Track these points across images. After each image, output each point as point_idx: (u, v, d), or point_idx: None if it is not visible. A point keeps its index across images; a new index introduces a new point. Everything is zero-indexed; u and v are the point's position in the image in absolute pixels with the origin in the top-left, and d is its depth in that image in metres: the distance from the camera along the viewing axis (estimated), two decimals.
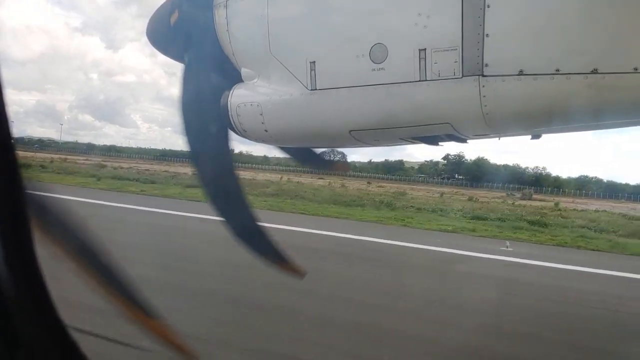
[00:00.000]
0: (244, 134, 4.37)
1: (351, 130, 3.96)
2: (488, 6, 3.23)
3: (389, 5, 3.65)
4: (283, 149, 5.31)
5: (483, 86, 3.32)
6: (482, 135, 3.96)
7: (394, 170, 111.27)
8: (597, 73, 3.07)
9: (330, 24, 3.87)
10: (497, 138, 4.13)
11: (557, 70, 3.14)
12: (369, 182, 62.12)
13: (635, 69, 3.00)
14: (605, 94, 3.16)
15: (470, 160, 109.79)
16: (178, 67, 4.71)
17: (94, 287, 2.91)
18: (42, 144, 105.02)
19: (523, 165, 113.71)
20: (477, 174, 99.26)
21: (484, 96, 3.33)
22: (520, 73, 3.22)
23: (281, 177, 45.73)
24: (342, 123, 3.98)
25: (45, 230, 2.79)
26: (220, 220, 4.71)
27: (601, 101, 3.22)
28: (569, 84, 3.14)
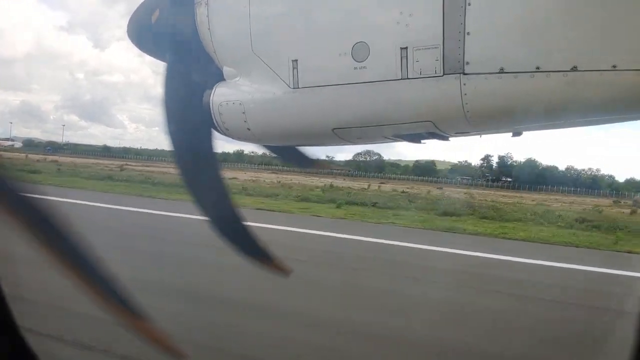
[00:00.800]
0: (226, 132, 4.34)
1: (334, 128, 3.96)
2: (469, 4, 3.23)
3: (370, 4, 3.65)
4: (266, 146, 5.29)
5: (464, 84, 3.32)
6: (464, 133, 3.97)
7: (428, 172, 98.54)
8: (577, 71, 3.09)
9: (312, 22, 3.85)
10: (479, 136, 4.15)
11: (538, 68, 3.16)
12: (439, 188, 52.13)
13: (614, 66, 3.02)
14: (585, 92, 3.18)
15: (519, 161, 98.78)
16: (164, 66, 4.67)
17: (85, 292, 3.05)
18: (54, 147, 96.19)
19: (577, 167, 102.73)
20: (529, 176, 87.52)
21: (465, 94, 3.34)
22: (501, 71, 3.23)
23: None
24: (325, 121, 3.97)
25: (37, 234, 2.90)
26: (205, 219, 4.71)
27: (581, 98, 3.24)
28: (549, 81, 3.16)
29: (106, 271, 3.06)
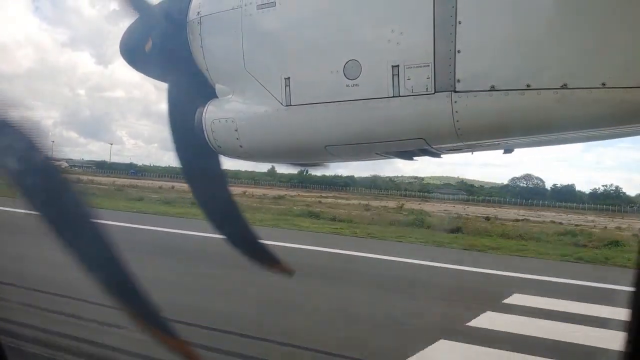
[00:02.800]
0: (218, 150, 4.34)
1: (327, 146, 3.96)
2: (459, 22, 3.26)
3: (362, 22, 3.68)
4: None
5: (455, 102, 3.34)
6: (456, 150, 3.98)
7: (567, 198, 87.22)
8: (567, 88, 3.11)
9: (304, 40, 3.88)
10: (470, 153, 4.16)
11: (528, 85, 3.18)
12: None
13: (603, 84, 3.05)
14: (575, 109, 3.20)
15: None
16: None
17: (123, 312, 3.52)
18: (138, 170, 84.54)
19: None
20: None
21: (456, 112, 3.35)
22: (492, 89, 3.25)
23: None
24: (318, 138, 3.97)
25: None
26: (213, 227, 5.08)
27: (571, 116, 3.27)
28: (540, 99, 3.18)
29: (143, 294, 3.37)
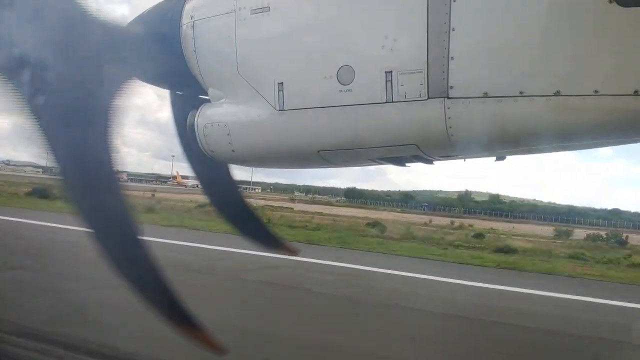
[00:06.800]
0: (211, 154, 4.32)
1: (319, 151, 3.95)
2: (453, 29, 3.27)
3: (356, 28, 3.68)
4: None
5: (448, 108, 3.34)
6: (448, 156, 3.98)
7: None
8: (560, 95, 3.12)
9: (298, 45, 3.87)
10: (463, 159, 4.16)
11: (521, 92, 3.19)
12: None
13: (596, 91, 3.06)
14: (568, 116, 3.21)
15: None
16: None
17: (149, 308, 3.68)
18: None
19: None
20: None
21: (449, 118, 3.35)
22: (485, 95, 3.25)
23: None
24: (311, 143, 3.96)
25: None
26: (223, 219, 5.54)
27: (564, 123, 3.27)
28: (533, 106, 3.19)
29: (170, 290, 3.57)
